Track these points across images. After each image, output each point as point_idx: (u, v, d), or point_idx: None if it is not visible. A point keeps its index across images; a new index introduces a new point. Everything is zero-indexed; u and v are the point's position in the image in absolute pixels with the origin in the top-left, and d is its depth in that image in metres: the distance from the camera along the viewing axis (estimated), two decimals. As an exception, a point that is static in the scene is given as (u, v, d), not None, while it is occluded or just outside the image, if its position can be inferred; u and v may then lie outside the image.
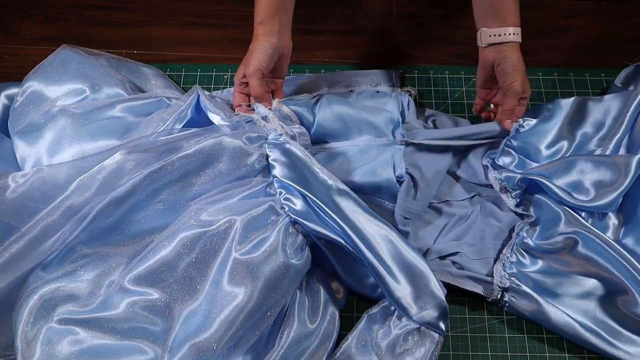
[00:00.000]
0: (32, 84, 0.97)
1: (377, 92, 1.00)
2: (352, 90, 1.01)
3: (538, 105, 0.98)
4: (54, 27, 1.12)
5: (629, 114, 0.94)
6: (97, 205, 0.79)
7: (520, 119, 0.94)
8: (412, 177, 0.91)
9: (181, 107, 0.91)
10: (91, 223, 0.79)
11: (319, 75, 1.04)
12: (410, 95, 1.00)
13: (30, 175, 0.87)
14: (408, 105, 0.99)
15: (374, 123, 0.95)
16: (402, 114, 0.98)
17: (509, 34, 0.86)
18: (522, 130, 0.94)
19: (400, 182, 0.91)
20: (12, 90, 1.01)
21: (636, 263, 0.83)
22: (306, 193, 0.81)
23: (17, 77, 1.04)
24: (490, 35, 0.87)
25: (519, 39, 0.88)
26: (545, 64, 1.09)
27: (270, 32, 0.89)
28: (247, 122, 0.89)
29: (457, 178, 0.97)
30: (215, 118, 0.90)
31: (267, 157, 0.84)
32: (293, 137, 0.87)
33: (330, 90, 1.01)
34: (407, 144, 0.93)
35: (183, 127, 0.90)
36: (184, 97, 0.93)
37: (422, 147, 0.93)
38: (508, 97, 0.90)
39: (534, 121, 0.95)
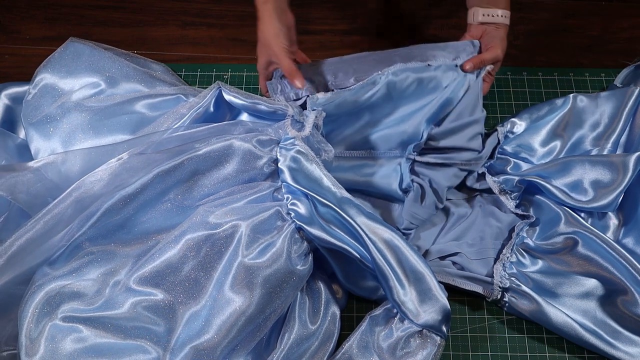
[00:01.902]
0: (45, 77, 0.97)
1: (456, 65, 0.93)
2: (429, 65, 0.92)
3: (534, 105, 0.98)
4: (54, 27, 1.12)
5: (625, 112, 0.95)
6: (106, 202, 0.79)
7: (510, 124, 0.95)
8: (421, 186, 0.92)
9: (199, 103, 0.91)
10: (99, 220, 0.79)
11: (392, 51, 0.95)
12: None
13: (42, 160, 0.87)
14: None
15: (387, 138, 0.94)
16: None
17: (499, 15, 0.93)
18: (511, 135, 0.95)
19: (405, 192, 0.92)
20: (13, 90, 1.01)
21: (636, 263, 0.83)
22: (316, 197, 0.81)
23: (17, 77, 1.04)
24: (483, 15, 0.93)
25: (507, 21, 0.93)
26: (545, 64, 1.09)
27: (276, 9, 0.87)
28: (278, 111, 0.89)
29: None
30: (255, 105, 0.89)
31: (276, 161, 0.84)
32: (317, 151, 0.86)
33: (405, 65, 0.91)
34: (414, 161, 0.93)
35: (200, 122, 0.90)
36: (204, 93, 0.92)
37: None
38: (486, 53, 0.93)
39: (523, 125, 0.95)
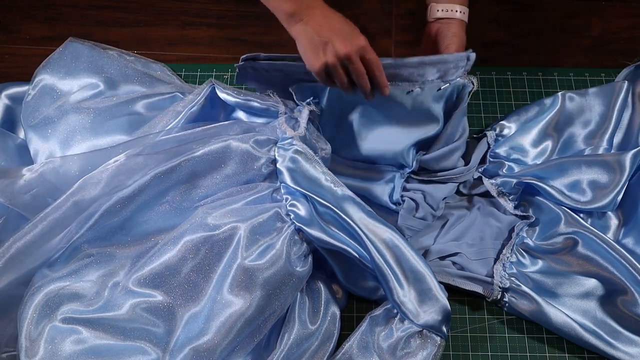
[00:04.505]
0: (44, 77, 0.98)
1: (439, 89, 0.88)
2: (412, 90, 0.87)
3: (522, 106, 0.98)
4: (54, 27, 1.12)
5: (616, 108, 0.95)
6: (104, 204, 0.79)
7: (499, 127, 0.95)
8: (413, 200, 0.91)
9: (194, 100, 0.91)
10: (97, 222, 0.80)
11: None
12: (472, 84, 0.90)
13: (41, 165, 0.87)
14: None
15: (384, 154, 0.93)
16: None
17: (456, 11, 0.89)
18: (502, 139, 0.95)
19: (396, 204, 0.91)
20: (13, 90, 1.01)
21: (636, 263, 0.83)
22: (315, 198, 0.81)
23: (17, 77, 1.04)
24: (438, 10, 0.89)
25: (465, 18, 0.90)
26: (545, 64, 1.09)
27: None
28: (269, 108, 0.89)
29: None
30: (247, 102, 0.88)
31: (274, 161, 0.84)
32: (314, 149, 0.86)
33: (391, 82, 0.85)
34: (408, 177, 0.93)
35: (196, 120, 0.90)
36: (197, 91, 0.93)
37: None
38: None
39: (513, 127, 0.95)
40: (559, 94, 0.97)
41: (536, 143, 0.96)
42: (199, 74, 1.08)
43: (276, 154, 0.84)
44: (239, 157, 0.83)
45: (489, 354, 0.86)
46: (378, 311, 0.82)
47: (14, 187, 0.85)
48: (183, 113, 0.91)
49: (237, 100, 0.89)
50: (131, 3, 1.15)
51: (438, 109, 0.89)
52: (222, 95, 0.90)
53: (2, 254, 0.78)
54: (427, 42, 0.91)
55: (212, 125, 0.88)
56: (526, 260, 0.88)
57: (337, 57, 0.77)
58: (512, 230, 0.91)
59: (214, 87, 0.91)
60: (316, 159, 0.84)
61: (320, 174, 0.83)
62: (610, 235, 0.90)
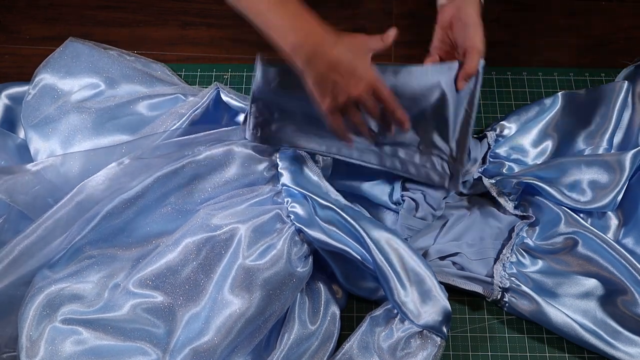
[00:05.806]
0: (45, 77, 0.98)
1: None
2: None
3: (523, 106, 0.98)
4: (54, 27, 1.12)
5: (616, 108, 0.95)
6: (106, 206, 0.80)
7: (499, 127, 0.95)
8: (413, 199, 0.91)
9: (198, 103, 0.91)
10: (99, 224, 0.80)
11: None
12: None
13: (42, 162, 0.87)
14: None
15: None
16: None
17: None
18: (502, 139, 0.95)
19: (396, 204, 0.92)
20: (13, 90, 1.01)
21: (636, 263, 0.83)
22: (316, 198, 0.81)
23: (17, 77, 1.04)
24: None
25: None
26: (545, 64, 1.09)
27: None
28: None
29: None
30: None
31: (276, 165, 0.85)
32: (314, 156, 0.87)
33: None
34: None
35: (199, 122, 0.91)
36: (202, 94, 0.93)
37: None
38: (470, 56, 0.80)
39: (513, 127, 0.95)
40: (559, 94, 0.97)
41: (536, 143, 0.96)
42: (199, 74, 1.08)
43: (277, 159, 0.85)
44: (241, 161, 0.84)
45: (489, 354, 0.86)
46: (378, 311, 0.82)
47: (16, 184, 0.85)
48: (187, 115, 0.91)
49: (241, 105, 0.90)
50: (131, 3, 1.15)
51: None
52: (226, 99, 0.91)
53: (5, 255, 0.79)
54: (441, 30, 0.83)
55: (215, 130, 0.88)
56: (526, 260, 0.88)
57: (348, 98, 0.73)
58: (512, 230, 0.91)
59: (219, 91, 0.91)
60: (315, 167, 0.84)
61: (319, 178, 0.83)
62: (610, 235, 0.90)
